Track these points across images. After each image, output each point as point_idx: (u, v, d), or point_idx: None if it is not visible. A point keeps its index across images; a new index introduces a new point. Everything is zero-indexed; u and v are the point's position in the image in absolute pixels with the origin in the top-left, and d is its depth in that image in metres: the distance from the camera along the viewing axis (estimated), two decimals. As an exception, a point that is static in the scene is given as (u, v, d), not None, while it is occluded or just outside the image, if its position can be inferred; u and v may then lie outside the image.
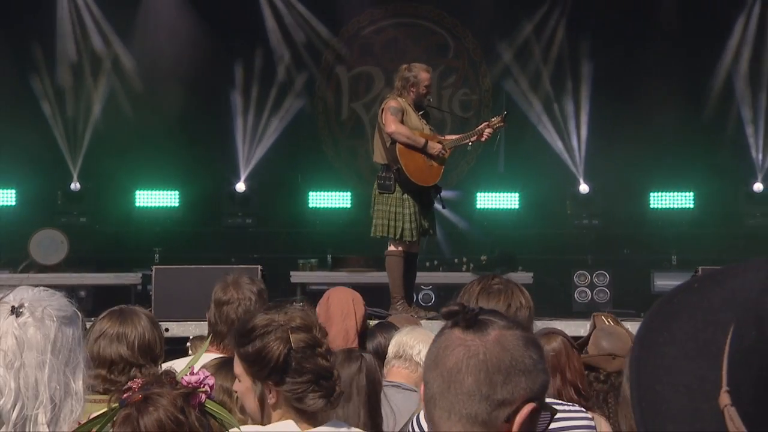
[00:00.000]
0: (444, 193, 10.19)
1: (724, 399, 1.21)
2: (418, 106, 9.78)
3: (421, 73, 9.80)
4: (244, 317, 3.61)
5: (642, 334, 1.33)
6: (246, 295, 5.02)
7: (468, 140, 10.01)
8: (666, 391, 1.27)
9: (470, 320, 2.05)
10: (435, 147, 9.62)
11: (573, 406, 3.67)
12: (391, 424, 4.16)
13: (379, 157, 9.75)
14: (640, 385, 1.29)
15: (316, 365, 3.21)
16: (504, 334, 2.06)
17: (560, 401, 3.69)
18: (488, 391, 2.04)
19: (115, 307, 4.32)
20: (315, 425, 3.23)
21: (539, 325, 4.84)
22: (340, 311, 5.33)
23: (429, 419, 2.10)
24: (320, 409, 3.23)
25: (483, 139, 9.99)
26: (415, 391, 4.44)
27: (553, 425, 2.99)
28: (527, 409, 2.08)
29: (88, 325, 4.00)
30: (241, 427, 2.78)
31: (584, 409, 3.78)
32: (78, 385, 3.09)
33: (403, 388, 4.61)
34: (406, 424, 4.00)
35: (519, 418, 2.06)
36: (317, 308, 5.60)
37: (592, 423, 3.67)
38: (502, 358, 2.04)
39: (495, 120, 10.08)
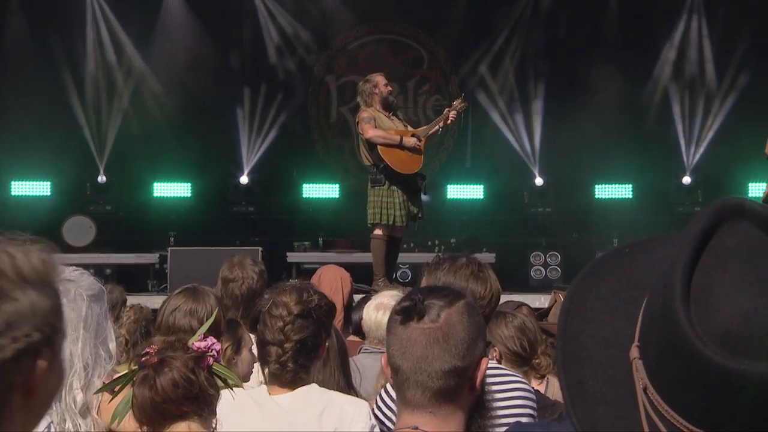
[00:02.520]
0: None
1: (634, 352, 1.21)
2: (387, 107, 9.76)
3: (376, 78, 9.81)
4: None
5: (573, 290, 1.33)
6: (249, 274, 5.01)
7: (437, 127, 9.99)
8: (587, 341, 1.27)
9: (420, 312, 2.03)
10: (410, 141, 9.61)
11: (504, 371, 3.59)
12: (358, 381, 4.16)
13: (365, 160, 9.75)
14: (566, 334, 1.28)
15: (271, 334, 3.22)
16: (451, 312, 2.04)
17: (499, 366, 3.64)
18: (455, 363, 2.02)
19: (189, 285, 4.28)
20: (288, 389, 3.23)
21: (502, 298, 4.88)
22: (329, 287, 5.32)
23: (402, 398, 2.08)
24: (276, 374, 3.23)
25: (449, 122, 9.97)
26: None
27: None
28: (484, 363, 2.07)
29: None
30: (224, 391, 2.77)
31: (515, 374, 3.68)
32: (110, 348, 3.10)
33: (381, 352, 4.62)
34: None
35: (479, 374, 2.05)
36: (311, 281, 5.60)
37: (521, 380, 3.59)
38: (457, 332, 2.03)
39: (457, 102, 10.06)
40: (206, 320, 4.10)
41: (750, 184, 13.58)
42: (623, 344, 1.23)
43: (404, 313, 2.04)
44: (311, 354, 3.27)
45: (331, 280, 5.46)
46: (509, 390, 3.38)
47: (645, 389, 1.18)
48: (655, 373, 1.18)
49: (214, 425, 2.69)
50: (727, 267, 1.15)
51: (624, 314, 1.26)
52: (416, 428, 2.02)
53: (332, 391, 3.40)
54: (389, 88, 9.86)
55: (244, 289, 4.96)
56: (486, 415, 2.16)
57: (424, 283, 3.45)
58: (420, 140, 9.70)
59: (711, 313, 1.12)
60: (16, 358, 1.26)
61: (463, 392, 2.06)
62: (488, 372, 3.33)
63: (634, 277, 1.30)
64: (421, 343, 2.02)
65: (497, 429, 3.03)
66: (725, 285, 1.13)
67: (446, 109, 10.07)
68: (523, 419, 3.31)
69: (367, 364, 4.21)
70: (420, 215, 9.90)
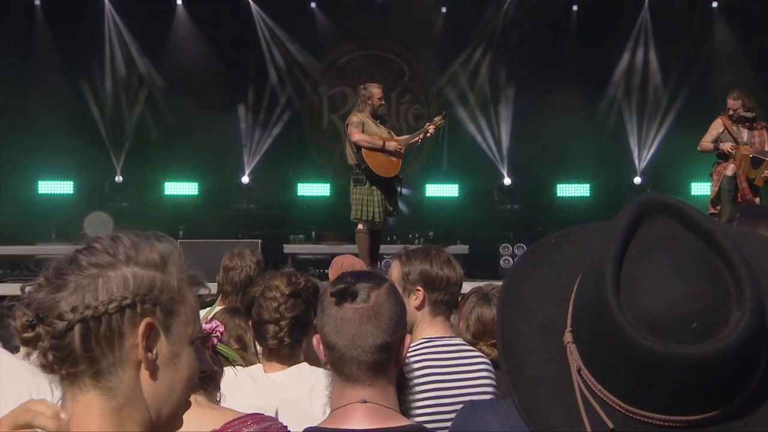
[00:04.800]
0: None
1: (568, 337, 1.20)
2: (375, 116, 9.76)
3: (373, 89, 9.77)
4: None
5: (508, 281, 1.32)
6: (247, 263, 4.99)
7: (417, 138, 9.96)
8: (523, 327, 1.25)
9: (353, 293, 2.03)
10: (391, 144, 9.60)
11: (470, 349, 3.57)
12: None
13: (350, 159, 9.74)
14: (504, 321, 1.26)
15: (268, 313, 3.23)
16: (379, 293, 2.04)
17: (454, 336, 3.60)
18: (385, 338, 2.02)
19: None
20: (282, 366, 3.23)
21: (473, 284, 4.88)
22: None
23: (339, 374, 2.07)
24: (271, 351, 3.23)
25: (429, 135, 9.94)
26: None
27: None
28: (407, 339, 2.08)
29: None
30: (227, 369, 2.77)
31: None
32: None
33: None
34: None
35: (404, 349, 2.06)
36: (331, 268, 5.60)
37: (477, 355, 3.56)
38: (385, 310, 2.03)
39: (437, 119, 10.02)
40: None
41: (692, 184, 13.66)
42: (557, 329, 1.22)
43: (339, 295, 2.03)
44: (304, 330, 3.28)
45: (349, 266, 5.46)
46: (475, 365, 3.37)
47: (579, 371, 1.17)
48: (588, 356, 1.17)
49: (218, 398, 2.69)
50: (652, 258, 1.14)
51: (555, 301, 1.25)
52: (365, 401, 2.02)
53: (321, 368, 3.40)
54: (382, 102, 9.84)
55: (242, 276, 4.95)
56: (409, 386, 2.17)
57: (397, 269, 3.43)
58: (401, 146, 9.70)
59: (639, 301, 1.12)
60: (118, 312, 1.39)
61: (391, 366, 2.05)
62: (453, 348, 3.33)
63: (561, 266, 1.29)
64: (355, 322, 2.01)
65: (463, 399, 3.02)
66: (651, 275, 1.13)
67: (427, 124, 10.04)
68: (488, 389, 3.31)
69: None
70: (395, 213, 9.94)
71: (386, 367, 2.03)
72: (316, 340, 2.11)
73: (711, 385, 1.10)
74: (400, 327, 2.06)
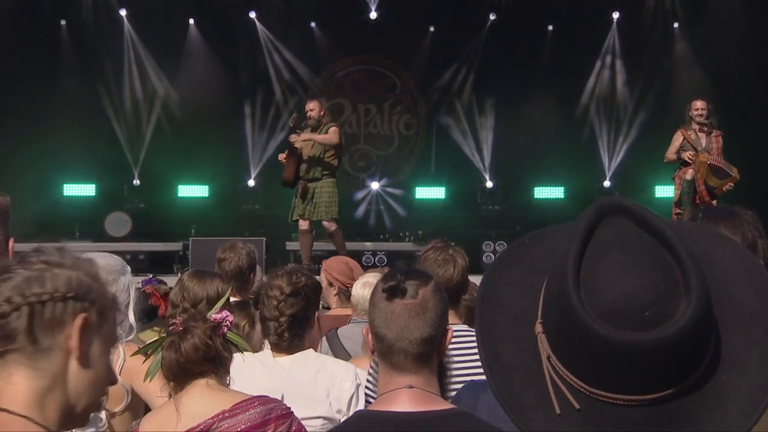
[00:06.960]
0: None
1: (538, 328, 1.22)
2: (313, 127, 9.83)
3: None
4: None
5: (486, 278, 1.34)
6: (238, 254, 4.95)
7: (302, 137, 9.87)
8: (500, 320, 1.27)
9: (404, 290, 2.03)
10: (280, 156, 9.85)
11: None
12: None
13: None
14: (482, 315, 1.29)
15: (268, 311, 3.24)
16: (426, 290, 2.04)
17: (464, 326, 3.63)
18: (430, 332, 2.02)
19: (194, 270, 4.06)
20: (287, 354, 3.23)
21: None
22: (341, 272, 5.24)
23: (387, 363, 2.06)
24: (275, 344, 3.22)
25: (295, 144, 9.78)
26: None
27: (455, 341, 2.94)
28: (450, 333, 2.09)
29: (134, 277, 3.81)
30: (236, 354, 2.78)
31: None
32: (128, 317, 3.08)
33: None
34: None
35: (446, 342, 2.07)
36: (324, 269, 5.48)
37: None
38: (431, 306, 2.03)
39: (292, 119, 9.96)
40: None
41: (656, 187, 13.70)
42: (529, 321, 1.24)
43: (390, 291, 2.04)
44: (303, 325, 3.28)
45: (339, 266, 5.32)
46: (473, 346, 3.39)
47: (549, 358, 1.19)
48: (556, 344, 1.19)
49: (227, 382, 2.69)
50: (609, 255, 1.16)
51: (528, 296, 1.27)
52: (411, 387, 2.03)
53: (324, 355, 3.40)
54: (307, 113, 9.95)
55: (232, 266, 4.90)
56: (446, 375, 2.18)
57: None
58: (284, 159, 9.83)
59: (598, 295, 1.14)
60: (61, 301, 1.43)
61: (433, 357, 2.07)
62: (455, 332, 3.35)
63: (534, 264, 1.31)
64: (404, 316, 2.01)
65: (461, 378, 3.03)
66: (608, 271, 1.15)
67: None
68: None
69: (356, 331, 4.19)
70: (307, 216, 9.94)
71: (430, 357, 2.05)
72: (365, 330, 2.12)
73: (665, 366, 1.13)
74: (444, 321, 2.07)
